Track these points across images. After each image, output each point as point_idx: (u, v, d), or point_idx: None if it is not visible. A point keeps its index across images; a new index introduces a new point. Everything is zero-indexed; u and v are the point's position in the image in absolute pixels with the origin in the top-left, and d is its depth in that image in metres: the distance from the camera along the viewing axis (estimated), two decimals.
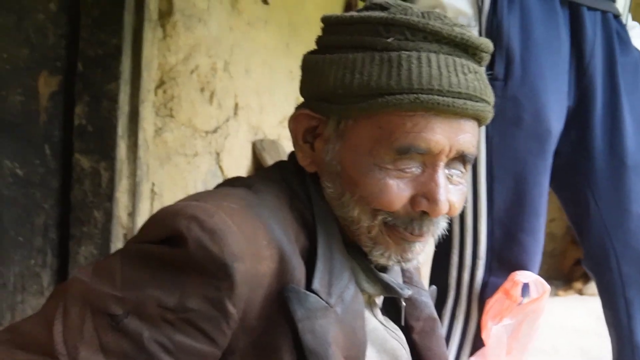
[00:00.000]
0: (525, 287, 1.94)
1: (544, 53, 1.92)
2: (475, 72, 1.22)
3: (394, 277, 1.33)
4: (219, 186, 1.29)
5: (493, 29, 1.89)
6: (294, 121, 1.29)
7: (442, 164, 1.20)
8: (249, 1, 3.53)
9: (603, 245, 2.02)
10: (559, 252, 7.23)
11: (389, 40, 1.20)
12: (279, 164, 1.33)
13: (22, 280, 2.52)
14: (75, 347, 1.05)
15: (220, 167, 3.35)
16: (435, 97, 1.17)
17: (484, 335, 1.94)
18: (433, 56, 1.19)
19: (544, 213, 1.98)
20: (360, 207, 1.21)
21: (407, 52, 1.18)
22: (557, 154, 2.00)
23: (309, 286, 1.15)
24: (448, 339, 2.00)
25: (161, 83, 2.86)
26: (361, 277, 1.27)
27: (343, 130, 1.23)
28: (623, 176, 2.02)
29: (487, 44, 1.25)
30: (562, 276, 6.94)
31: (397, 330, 1.36)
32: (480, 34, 1.85)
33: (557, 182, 2.06)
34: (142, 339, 1.05)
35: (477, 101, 1.20)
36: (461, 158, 1.23)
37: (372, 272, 1.28)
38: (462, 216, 1.95)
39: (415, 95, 1.16)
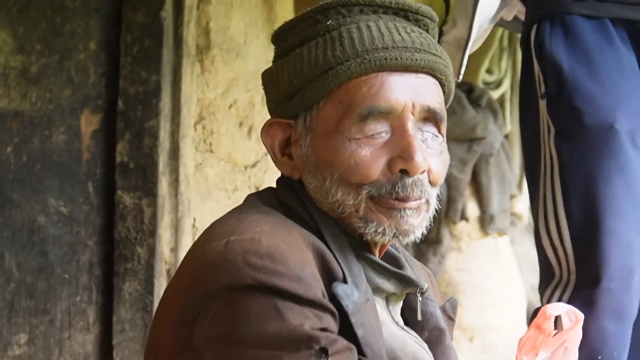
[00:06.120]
0: (558, 320, 1.89)
1: (598, 61, 1.89)
2: (420, 33, 1.25)
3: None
4: (217, 222, 1.26)
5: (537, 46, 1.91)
6: (266, 134, 1.30)
7: (409, 122, 1.20)
8: None
9: None
10: None
11: (329, 23, 1.23)
12: (267, 190, 1.33)
13: (69, 316, 2.53)
14: None
15: None
16: (381, 53, 1.19)
17: None
18: (372, 23, 1.22)
19: (623, 213, 1.86)
20: (342, 187, 1.21)
21: (346, 27, 1.22)
22: None
23: None
24: None
25: (200, 118, 2.88)
26: (373, 275, 1.25)
27: (310, 122, 1.24)
28: None
29: (427, 9, 1.28)
30: None
31: (417, 336, 1.34)
32: None
33: None
34: None
35: (425, 54, 1.22)
36: (431, 117, 1.23)
37: (383, 266, 1.26)
38: (553, 244, 1.92)
39: (361, 57, 1.19)
